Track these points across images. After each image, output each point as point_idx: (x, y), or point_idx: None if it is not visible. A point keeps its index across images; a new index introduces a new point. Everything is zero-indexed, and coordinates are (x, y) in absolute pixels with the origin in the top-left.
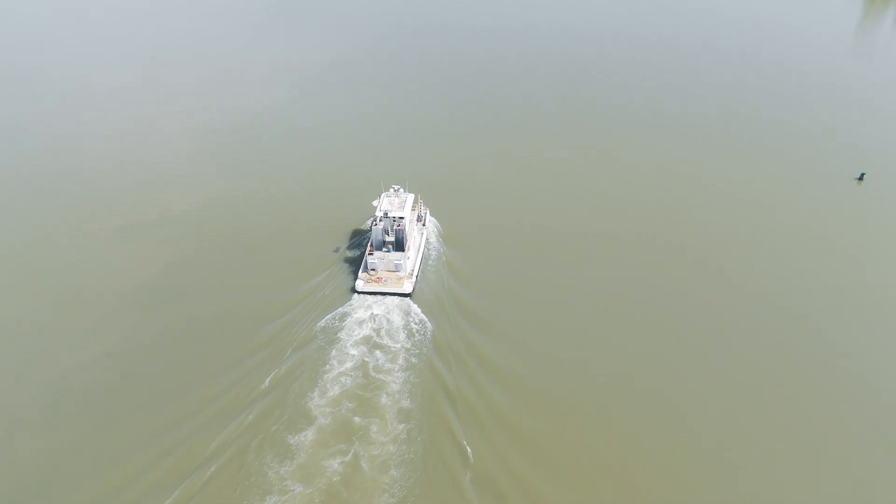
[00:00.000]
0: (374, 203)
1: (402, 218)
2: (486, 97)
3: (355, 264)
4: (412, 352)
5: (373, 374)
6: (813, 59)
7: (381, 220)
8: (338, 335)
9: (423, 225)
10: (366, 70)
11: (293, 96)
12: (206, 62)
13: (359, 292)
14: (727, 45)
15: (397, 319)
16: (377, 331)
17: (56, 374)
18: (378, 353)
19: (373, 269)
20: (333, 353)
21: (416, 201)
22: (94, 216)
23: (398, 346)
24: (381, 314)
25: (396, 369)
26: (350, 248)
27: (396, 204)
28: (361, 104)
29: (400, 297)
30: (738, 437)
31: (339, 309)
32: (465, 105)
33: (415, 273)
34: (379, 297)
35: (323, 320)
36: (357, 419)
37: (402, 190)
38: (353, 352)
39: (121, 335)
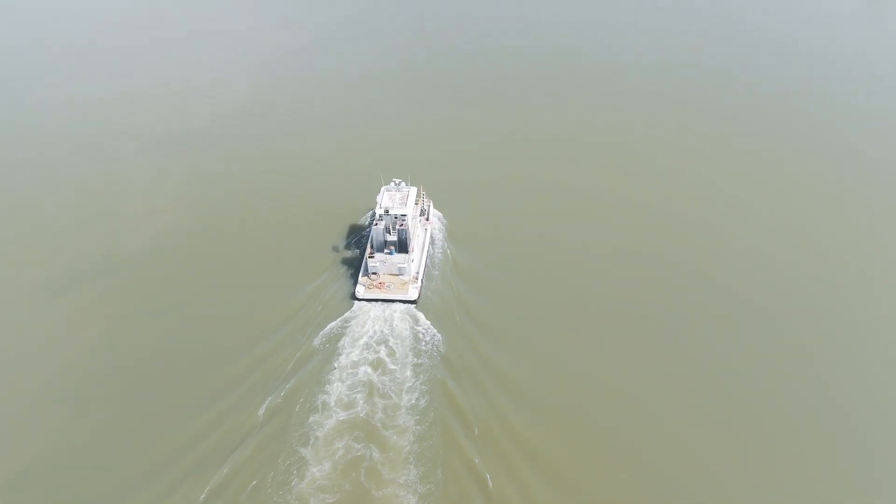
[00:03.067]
0: (378, 199)
1: (404, 216)
2: (490, 78)
3: (354, 266)
4: (421, 368)
5: (377, 398)
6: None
7: (381, 219)
8: (337, 350)
9: (427, 220)
10: (354, 50)
11: (272, 81)
12: (173, 46)
13: (359, 299)
14: (768, 36)
15: (402, 331)
16: (381, 344)
17: None
18: (382, 371)
19: (374, 273)
20: (334, 373)
21: (418, 194)
22: (23, 262)
23: (405, 364)
24: (383, 324)
25: (405, 386)
26: (348, 247)
27: (398, 200)
28: (354, 89)
29: (404, 305)
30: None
31: (338, 320)
32: (466, 87)
33: (419, 276)
34: (381, 303)
35: (320, 335)
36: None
37: (403, 184)
38: (356, 371)
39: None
